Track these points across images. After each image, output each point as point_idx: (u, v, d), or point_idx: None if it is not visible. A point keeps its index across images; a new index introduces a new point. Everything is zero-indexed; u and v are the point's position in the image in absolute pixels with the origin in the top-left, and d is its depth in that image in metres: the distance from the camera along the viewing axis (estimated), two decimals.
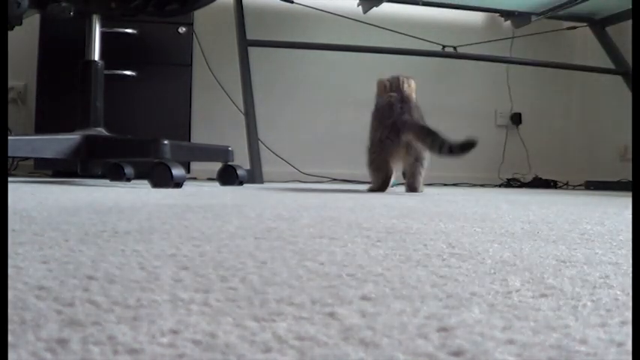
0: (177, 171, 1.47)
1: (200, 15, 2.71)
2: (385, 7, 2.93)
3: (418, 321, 0.25)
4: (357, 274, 0.35)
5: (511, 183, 3.21)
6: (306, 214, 0.76)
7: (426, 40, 2.84)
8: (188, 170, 2.56)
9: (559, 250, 0.48)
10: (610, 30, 2.99)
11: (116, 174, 2.01)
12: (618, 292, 0.32)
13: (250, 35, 2.51)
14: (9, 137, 1.51)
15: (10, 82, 2.65)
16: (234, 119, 2.78)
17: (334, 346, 0.21)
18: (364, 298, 0.29)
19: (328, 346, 0.21)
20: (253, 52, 2.56)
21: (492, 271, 0.38)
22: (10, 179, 1.87)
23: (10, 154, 1.55)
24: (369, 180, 1.71)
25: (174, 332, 0.22)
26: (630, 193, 2.26)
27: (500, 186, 3.18)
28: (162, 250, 0.42)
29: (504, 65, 3.22)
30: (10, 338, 0.21)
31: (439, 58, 3.07)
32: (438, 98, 3.30)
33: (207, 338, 0.22)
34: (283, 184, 2.36)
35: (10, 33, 1.68)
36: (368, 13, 2.85)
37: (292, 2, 2.75)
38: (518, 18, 2.96)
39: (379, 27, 2.86)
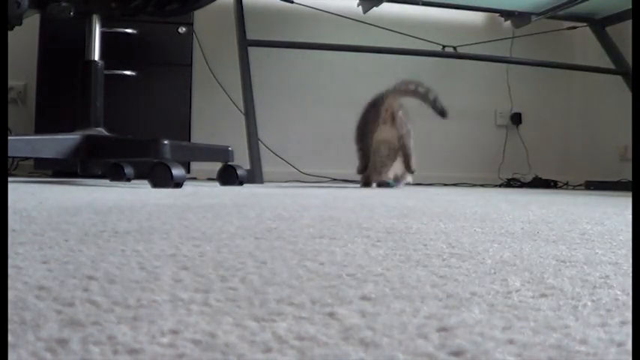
0: (177, 171, 1.47)
1: (200, 15, 2.71)
2: (385, 7, 2.93)
3: (418, 321, 0.25)
4: (357, 274, 0.35)
5: (511, 183, 3.21)
6: (306, 214, 0.76)
7: (426, 40, 2.84)
8: (188, 170, 2.56)
9: (559, 250, 0.48)
10: (610, 30, 2.99)
11: (116, 174, 2.01)
12: (618, 292, 0.32)
13: (250, 35, 2.51)
14: (9, 137, 1.51)
15: (10, 82, 2.65)
16: (234, 119, 2.78)
17: (334, 346, 0.21)
18: (364, 298, 0.29)
19: (328, 346, 0.21)
20: (253, 52, 2.57)
21: (492, 271, 0.38)
22: (10, 179, 1.87)
23: (10, 154, 1.55)
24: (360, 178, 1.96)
25: (174, 332, 0.22)
26: (630, 193, 2.26)
27: (500, 186, 3.18)
28: (162, 250, 0.42)
29: (504, 65, 3.22)
30: (10, 338, 0.21)
31: (439, 58, 3.07)
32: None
33: (207, 338, 0.22)
34: (283, 184, 2.36)
35: (10, 33, 1.68)
36: (368, 13, 2.85)
37: (292, 2, 2.75)
38: (518, 18, 2.96)
39: (379, 27, 2.87)
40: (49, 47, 2.36)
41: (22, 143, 1.58)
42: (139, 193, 1.19)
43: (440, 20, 3.22)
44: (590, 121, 3.40)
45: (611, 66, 2.96)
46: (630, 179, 2.93)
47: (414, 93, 1.76)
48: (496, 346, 0.21)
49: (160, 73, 2.48)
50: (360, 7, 2.85)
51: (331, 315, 0.25)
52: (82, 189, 1.33)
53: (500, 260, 0.42)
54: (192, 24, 2.54)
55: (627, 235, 0.62)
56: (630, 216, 0.90)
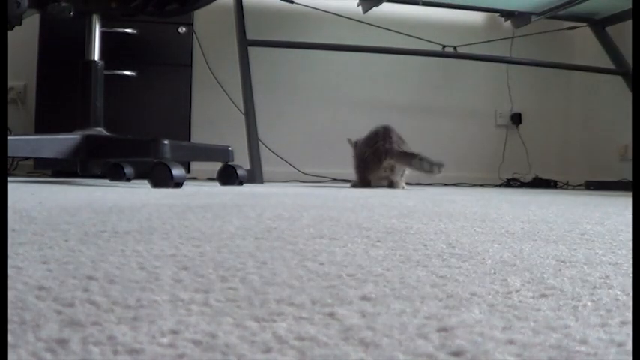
0: (177, 171, 1.47)
1: (200, 15, 2.71)
2: (385, 7, 2.93)
3: (418, 321, 0.25)
4: (357, 274, 0.35)
5: (511, 183, 3.21)
6: (306, 214, 0.76)
7: (426, 40, 2.84)
8: (188, 170, 2.56)
9: (559, 250, 0.48)
10: (610, 30, 2.99)
11: (116, 174, 2.01)
12: (618, 292, 0.32)
13: (250, 35, 2.51)
14: (9, 137, 1.51)
15: (10, 82, 2.65)
16: (234, 119, 2.78)
17: (334, 346, 0.21)
18: (364, 298, 0.29)
19: (328, 346, 0.21)
20: (253, 52, 2.57)
21: (492, 271, 0.38)
22: (10, 179, 1.87)
23: (10, 154, 1.55)
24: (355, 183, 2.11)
25: (174, 332, 0.22)
26: (630, 193, 2.26)
27: (500, 186, 3.18)
28: (162, 250, 0.42)
29: (504, 65, 3.22)
30: (10, 338, 0.21)
31: (439, 58, 3.07)
32: (438, 98, 3.30)
33: (207, 338, 0.22)
34: (283, 184, 2.36)
35: (10, 33, 1.68)
36: (368, 13, 2.85)
37: (292, 2, 2.75)
38: (518, 18, 2.96)
39: (379, 27, 2.87)
40: (49, 47, 2.36)
41: (22, 143, 1.58)
42: (139, 193, 1.19)
43: (440, 20, 3.22)
44: (590, 121, 3.40)
45: (611, 66, 2.96)
46: (630, 179, 2.93)
47: (409, 164, 1.96)
48: (496, 346, 0.22)
49: (160, 73, 2.48)
50: (360, 7, 2.85)
51: (331, 315, 0.25)
52: (82, 189, 1.33)
53: (500, 260, 0.42)
54: (192, 24, 2.54)
55: (627, 235, 0.62)
56: (630, 216, 0.90)
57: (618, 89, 3.04)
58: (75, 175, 2.10)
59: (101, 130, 1.76)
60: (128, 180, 2.00)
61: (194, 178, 2.77)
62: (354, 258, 0.41)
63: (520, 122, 3.40)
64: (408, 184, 2.18)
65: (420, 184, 2.94)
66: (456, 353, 0.21)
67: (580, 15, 2.96)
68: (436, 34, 2.98)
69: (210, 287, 0.30)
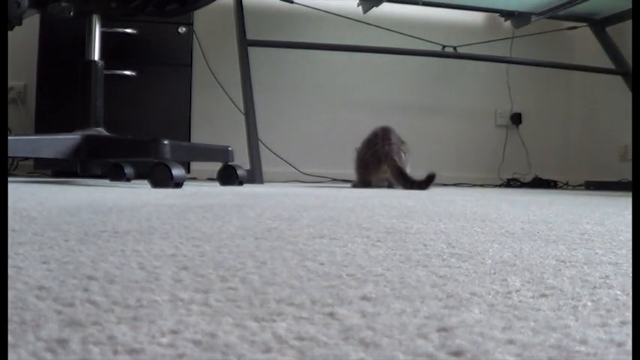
0: (177, 171, 1.47)
1: (200, 15, 2.71)
2: (385, 7, 2.93)
3: (418, 321, 0.25)
4: (357, 274, 0.35)
5: (511, 183, 3.21)
6: (306, 214, 0.76)
7: (426, 40, 2.84)
8: (188, 170, 2.56)
9: (559, 250, 0.48)
10: (610, 30, 2.99)
11: (116, 174, 2.01)
12: (618, 292, 0.32)
13: (250, 35, 2.51)
14: (9, 137, 1.51)
15: (10, 82, 2.65)
16: (234, 119, 2.78)
17: (334, 346, 0.21)
18: (364, 298, 0.29)
19: (328, 346, 0.21)
20: (253, 52, 2.57)
21: (492, 271, 0.38)
22: (10, 179, 1.87)
23: (10, 154, 1.55)
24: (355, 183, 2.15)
25: (174, 332, 0.22)
26: (630, 193, 2.26)
27: (500, 186, 3.18)
28: (162, 250, 0.42)
29: (504, 65, 3.22)
30: (10, 338, 0.21)
31: (439, 58, 3.07)
32: (438, 98, 3.30)
33: (207, 338, 0.22)
34: (283, 184, 2.36)
35: (10, 33, 1.68)
36: (368, 13, 2.85)
37: (292, 2, 2.75)
38: (518, 18, 2.96)
39: (379, 27, 2.87)
40: (49, 47, 2.36)
41: (22, 143, 1.58)
42: (139, 193, 1.19)
43: (440, 20, 3.22)
44: (590, 121, 3.40)
45: (611, 66, 2.96)
46: (630, 179, 2.93)
47: (398, 183, 2.03)
48: (496, 346, 0.22)
49: (160, 73, 2.48)
50: (360, 7, 2.85)
51: (331, 315, 0.25)
52: (82, 189, 1.33)
53: (500, 260, 0.42)
54: (192, 24, 2.54)
55: (627, 235, 0.62)
56: (630, 216, 0.90)
57: (618, 89, 3.04)
58: (75, 175, 2.10)
59: (101, 130, 1.76)
60: (128, 180, 2.00)
61: (194, 178, 2.77)
62: (354, 258, 0.41)
63: (520, 122, 3.40)
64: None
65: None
66: (456, 353, 0.21)
67: (580, 15, 2.96)
68: (436, 34, 2.98)
69: (210, 287, 0.30)
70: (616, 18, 2.90)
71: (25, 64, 2.55)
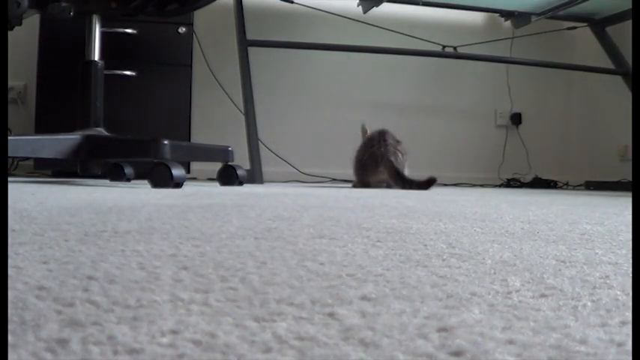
0: (177, 171, 1.47)
1: (200, 15, 2.71)
2: (385, 7, 2.93)
3: (418, 321, 0.25)
4: (357, 275, 0.35)
5: (511, 183, 3.21)
6: (306, 215, 0.76)
7: (426, 40, 2.84)
8: (188, 170, 2.56)
9: (559, 250, 0.48)
10: (610, 30, 2.99)
11: (116, 174, 2.01)
12: (618, 292, 0.32)
13: (250, 35, 2.51)
14: (9, 137, 1.51)
15: (10, 82, 2.65)
16: (234, 119, 2.78)
17: (334, 346, 0.21)
18: (364, 298, 0.29)
19: (328, 346, 0.21)
20: (253, 52, 2.57)
21: (492, 271, 0.38)
22: (10, 179, 1.87)
23: (10, 154, 1.55)
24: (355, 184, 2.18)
25: (174, 332, 0.22)
26: (630, 193, 2.26)
27: (500, 186, 3.18)
28: (162, 250, 0.42)
29: (504, 65, 3.22)
30: (10, 338, 0.21)
31: (439, 58, 3.07)
32: (438, 98, 3.30)
33: (207, 338, 0.22)
34: (283, 184, 2.36)
35: (10, 33, 1.68)
36: (368, 13, 2.85)
37: (292, 2, 2.75)
38: (518, 18, 2.96)
39: (379, 27, 2.86)
40: (49, 47, 2.36)
41: (22, 143, 1.58)
42: (139, 193, 1.19)
43: (440, 20, 3.22)
44: (590, 121, 3.40)
45: (611, 66, 2.96)
46: (630, 179, 2.93)
47: (395, 183, 2.05)
48: (496, 346, 0.22)
49: (160, 73, 2.48)
50: (360, 7, 2.85)
51: (331, 315, 0.25)
52: (82, 189, 1.33)
53: (500, 260, 0.42)
54: (192, 24, 2.54)
55: (627, 235, 0.62)
56: (630, 216, 0.90)
57: (618, 89, 3.04)
58: (75, 175, 2.10)
59: (101, 130, 1.76)
60: (128, 180, 2.00)
61: (194, 178, 2.77)
62: (354, 258, 0.41)
63: (520, 122, 3.40)
64: None
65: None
66: (456, 353, 0.21)
67: (580, 15, 2.96)
68: (436, 34, 2.98)
69: (210, 287, 0.30)
70: (616, 18, 2.90)
71: (25, 64, 2.55)
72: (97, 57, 1.80)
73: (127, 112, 2.43)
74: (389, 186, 2.08)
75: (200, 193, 1.27)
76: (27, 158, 2.46)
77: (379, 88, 3.22)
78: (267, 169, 2.53)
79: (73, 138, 1.64)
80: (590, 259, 0.44)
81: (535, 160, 3.39)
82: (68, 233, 0.50)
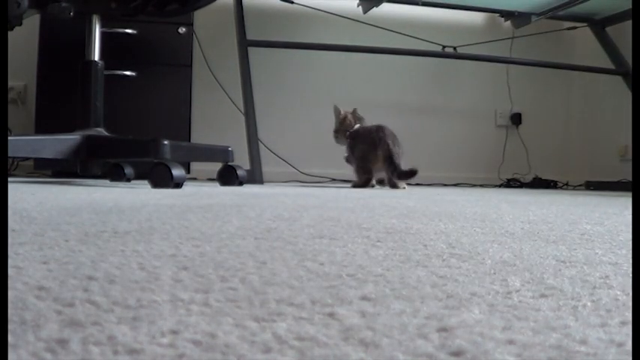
0: (177, 171, 1.47)
1: (200, 15, 2.71)
2: (385, 7, 2.93)
3: (418, 321, 0.25)
4: (357, 275, 0.35)
5: (511, 183, 3.21)
6: (306, 215, 0.76)
7: (426, 40, 2.84)
8: (188, 170, 2.56)
9: (559, 250, 0.48)
10: (610, 30, 2.99)
11: (116, 174, 2.01)
12: (618, 292, 0.32)
13: (250, 35, 2.51)
14: (9, 137, 1.51)
15: (10, 82, 2.65)
16: (234, 119, 2.78)
17: (334, 347, 0.21)
18: (364, 298, 0.29)
19: (328, 347, 0.21)
20: (253, 52, 2.57)
21: (492, 271, 0.38)
22: (10, 179, 1.87)
23: (10, 154, 1.55)
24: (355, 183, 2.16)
25: (174, 332, 0.22)
26: (630, 193, 2.26)
27: (500, 186, 3.18)
28: (162, 250, 0.42)
29: (504, 65, 3.22)
30: (10, 338, 0.21)
31: (439, 58, 3.07)
32: (438, 98, 3.30)
33: (207, 338, 0.22)
34: (283, 184, 2.36)
35: (10, 33, 1.68)
36: (368, 13, 2.85)
37: (292, 2, 2.75)
38: (518, 18, 2.96)
39: (379, 27, 2.86)
40: (49, 47, 2.36)
41: (22, 143, 1.58)
42: (139, 194, 1.19)
43: (440, 20, 3.22)
44: (590, 121, 3.40)
45: (611, 66, 2.96)
46: (630, 179, 2.93)
47: (387, 169, 2.08)
48: (496, 346, 0.22)
49: (160, 73, 2.48)
50: (360, 7, 2.85)
51: (331, 315, 0.25)
52: (82, 189, 1.33)
53: (500, 260, 0.42)
54: (192, 24, 2.54)
55: (627, 235, 0.62)
56: (630, 216, 0.90)
57: (618, 89, 3.04)
58: (75, 175, 2.10)
59: (101, 131, 1.76)
60: (128, 180, 2.00)
61: (194, 179, 2.77)
62: (354, 258, 0.41)
63: (520, 122, 3.40)
64: (408, 184, 2.19)
65: (420, 185, 2.94)
66: (456, 353, 0.21)
67: (580, 15, 2.96)
68: (436, 34, 2.97)
69: (210, 287, 0.30)
70: (616, 18, 2.90)
71: (25, 64, 2.55)
72: (97, 57, 1.80)
73: (127, 112, 2.43)
74: (391, 182, 2.09)
75: (200, 194, 1.27)
76: (27, 158, 2.46)
77: (379, 88, 3.22)
78: (267, 169, 2.53)
79: (73, 138, 1.64)
80: (590, 259, 0.44)
81: (535, 160, 3.39)
82: (68, 233, 0.50)
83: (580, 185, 3.29)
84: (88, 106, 1.77)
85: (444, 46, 2.79)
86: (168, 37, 2.48)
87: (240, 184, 1.90)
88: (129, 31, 2.41)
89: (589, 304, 0.29)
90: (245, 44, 2.47)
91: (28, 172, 2.53)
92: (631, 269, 0.39)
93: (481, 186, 3.13)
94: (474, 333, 0.23)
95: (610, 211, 1.01)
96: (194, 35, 2.62)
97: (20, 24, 1.57)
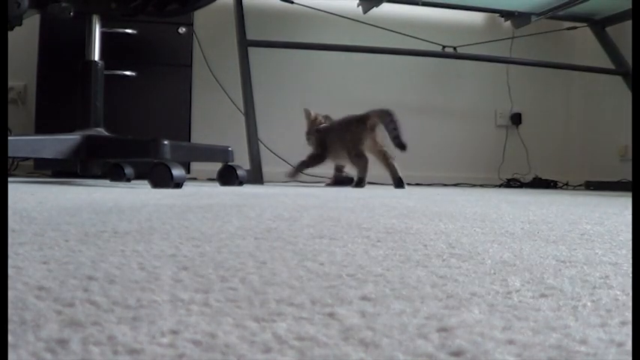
0: (177, 171, 1.47)
1: (200, 15, 2.71)
2: (385, 7, 2.93)
3: (418, 321, 0.25)
4: (357, 275, 0.35)
5: (511, 183, 3.21)
6: (306, 215, 0.76)
7: (426, 40, 2.84)
8: (188, 170, 2.56)
9: (559, 250, 0.48)
10: (610, 30, 2.99)
11: (116, 174, 2.01)
12: (618, 292, 0.32)
13: (250, 35, 2.51)
14: (9, 137, 1.51)
15: (10, 82, 2.65)
16: (234, 119, 2.78)
17: (334, 347, 0.21)
18: (364, 298, 0.29)
19: (328, 347, 0.21)
20: (253, 52, 2.57)
21: (492, 271, 0.38)
22: (10, 179, 1.87)
23: (10, 154, 1.55)
24: (359, 174, 2.14)
25: (174, 332, 0.22)
26: (630, 193, 2.26)
27: (500, 186, 3.18)
28: (162, 250, 0.42)
29: (504, 65, 3.22)
30: (10, 338, 0.21)
31: (439, 58, 3.07)
32: (438, 98, 3.30)
33: (207, 338, 0.22)
34: (283, 185, 2.36)
35: (10, 33, 1.68)
36: (368, 13, 2.85)
37: (292, 2, 2.75)
38: (518, 18, 2.96)
39: (379, 27, 2.86)
40: (49, 47, 2.36)
41: (22, 143, 1.58)
42: (139, 194, 1.19)
43: (440, 20, 3.22)
44: (590, 121, 3.40)
45: (611, 66, 2.96)
46: (630, 179, 2.93)
47: (384, 120, 2.11)
48: (496, 346, 0.22)
49: (160, 73, 2.49)
50: (360, 7, 2.85)
51: (331, 315, 0.25)
52: (82, 189, 1.33)
53: (500, 260, 0.42)
54: (192, 24, 2.54)
55: (627, 235, 0.62)
56: (630, 216, 0.90)
57: (618, 89, 3.04)
58: (75, 175, 2.10)
59: (101, 131, 1.76)
60: (128, 180, 2.00)
61: (194, 179, 2.77)
62: (354, 258, 0.41)
63: (520, 122, 3.40)
64: (408, 184, 2.18)
65: (420, 185, 2.94)
66: (456, 353, 0.21)
67: (580, 15, 2.96)
68: (436, 34, 2.97)
69: (210, 287, 0.30)
70: (616, 18, 2.90)
71: (25, 64, 2.55)
72: (97, 57, 1.80)
73: (127, 112, 2.43)
74: (385, 160, 2.07)
75: (200, 194, 1.27)
76: (27, 158, 2.46)
77: (379, 88, 3.22)
78: (267, 169, 2.53)
79: (73, 138, 1.64)
80: (590, 259, 0.44)
81: (535, 160, 3.39)
82: (68, 233, 0.50)
83: (580, 185, 3.29)
84: (88, 106, 1.77)
85: (444, 46, 2.79)
86: (168, 37, 2.48)
87: (240, 184, 1.90)
88: (129, 31, 2.41)
89: (589, 304, 0.29)
90: (245, 44, 2.47)
91: (28, 172, 2.53)
92: (631, 269, 0.39)
93: (481, 186, 3.13)
94: (474, 333, 0.23)
95: (610, 211, 1.01)
96: (194, 35, 2.62)
97: (20, 24, 1.57)
